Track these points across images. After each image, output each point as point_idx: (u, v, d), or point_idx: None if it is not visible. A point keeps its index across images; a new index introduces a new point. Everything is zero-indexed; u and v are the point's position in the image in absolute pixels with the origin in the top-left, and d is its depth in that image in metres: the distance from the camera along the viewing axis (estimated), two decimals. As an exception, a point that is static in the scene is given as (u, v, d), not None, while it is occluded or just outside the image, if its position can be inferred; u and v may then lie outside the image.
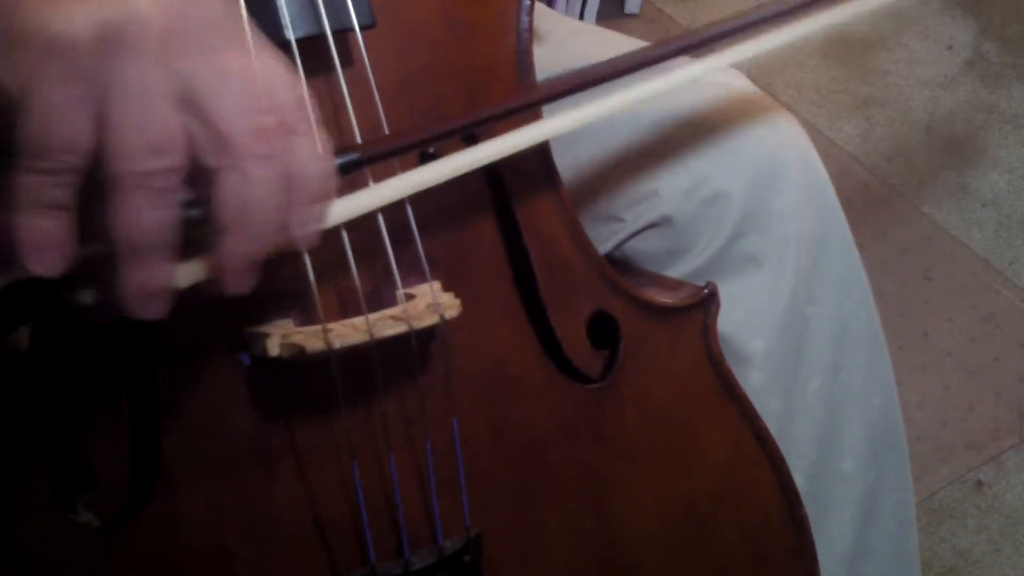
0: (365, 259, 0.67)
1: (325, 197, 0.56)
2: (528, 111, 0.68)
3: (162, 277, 0.53)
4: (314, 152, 0.55)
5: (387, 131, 0.67)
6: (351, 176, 0.62)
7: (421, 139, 0.64)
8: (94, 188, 0.50)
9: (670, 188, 0.90)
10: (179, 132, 0.50)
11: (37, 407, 0.65)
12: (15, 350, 0.69)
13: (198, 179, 0.52)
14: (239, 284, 0.55)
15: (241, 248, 0.53)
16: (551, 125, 0.67)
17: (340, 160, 0.60)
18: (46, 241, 0.51)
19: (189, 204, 0.53)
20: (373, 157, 0.62)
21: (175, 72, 0.50)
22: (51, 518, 0.66)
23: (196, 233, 0.53)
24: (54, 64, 0.49)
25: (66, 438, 0.66)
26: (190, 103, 0.51)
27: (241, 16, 0.55)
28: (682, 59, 0.70)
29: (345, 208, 0.61)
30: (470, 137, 0.69)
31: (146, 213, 0.50)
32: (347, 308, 0.67)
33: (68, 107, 0.49)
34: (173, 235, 0.52)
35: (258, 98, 0.52)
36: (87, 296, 0.55)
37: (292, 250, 0.56)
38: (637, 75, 0.69)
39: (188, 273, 0.55)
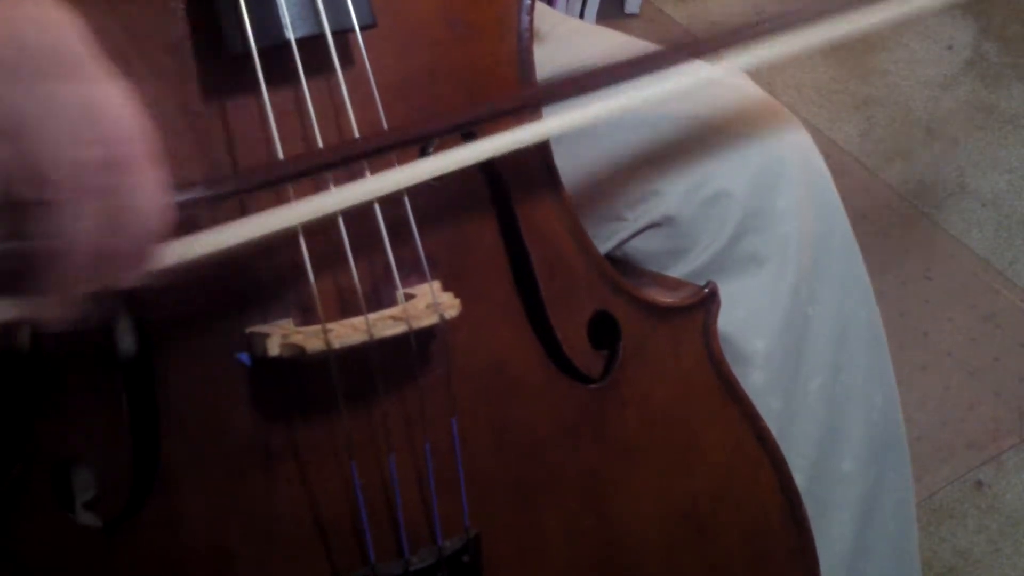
0: (365, 259, 0.67)
1: (155, 235, 0.53)
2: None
3: None
4: (147, 188, 0.52)
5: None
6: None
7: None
8: None
9: (671, 188, 0.90)
10: None
11: (37, 407, 0.65)
12: (15, 350, 0.69)
13: (16, 212, 0.49)
14: (58, 322, 0.52)
15: (58, 284, 0.51)
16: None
17: (180, 198, 0.56)
18: None
19: (11, 236, 0.50)
20: (243, 189, 0.60)
21: None
22: (51, 519, 0.66)
23: (15, 267, 0.51)
24: None
25: (66, 438, 0.66)
26: (7, 134, 0.48)
27: (84, 45, 0.51)
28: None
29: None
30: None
31: None
32: (347, 308, 0.67)
33: None
34: None
35: (84, 130, 0.49)
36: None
37: (115, 288, 0.53)
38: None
39: (5, 309, 0.53)
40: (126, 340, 0.66)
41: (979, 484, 1.52)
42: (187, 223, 0.57)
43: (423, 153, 0.68)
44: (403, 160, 0.65)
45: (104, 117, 0.50)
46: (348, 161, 0.62)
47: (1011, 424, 1.60)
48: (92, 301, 0.53)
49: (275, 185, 0.62)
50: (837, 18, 0.71)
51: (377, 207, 0.66)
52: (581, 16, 2.09)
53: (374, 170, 0.65)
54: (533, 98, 0.67)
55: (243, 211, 0.62)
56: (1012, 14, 2.22)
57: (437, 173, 0.64)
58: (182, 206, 0.56)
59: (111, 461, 0.67)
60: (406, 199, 0.67)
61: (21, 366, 0.67)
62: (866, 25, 0.72)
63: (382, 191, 0.64)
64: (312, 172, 0.62)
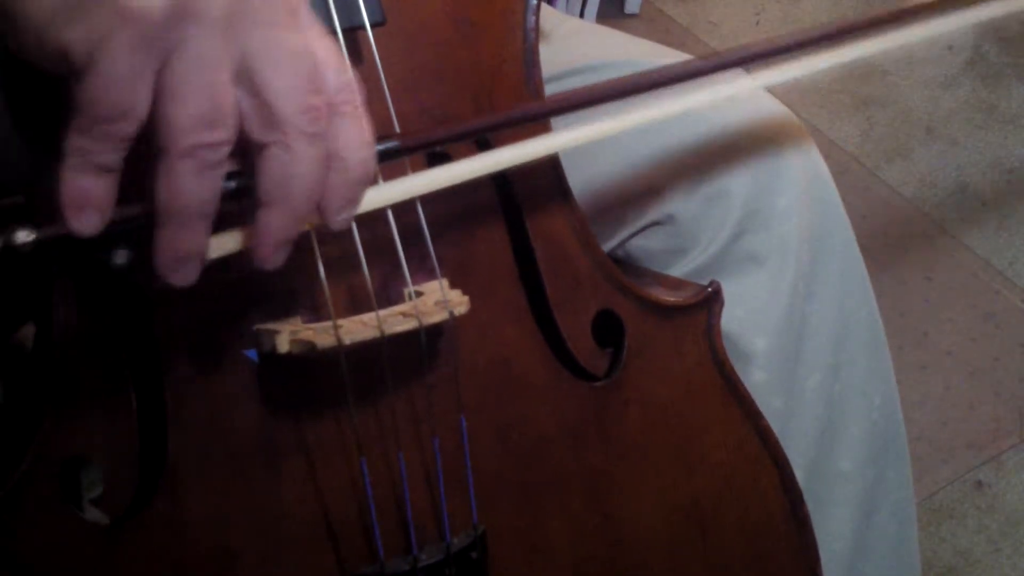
0: (376, 256, 0.67)
1: (366, 181, 0.57)
2: (540, 119, 0.68)
3: (198, 245, 0.54)
4: (359, 136, 0.55)
5: (397, 129, 0.67)
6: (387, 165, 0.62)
7: (456, 133, 0.65)
8: (144, 151, 0.51)
9: (673, 186, 0.90)
10: (232, 107, 0.51)
11: (44, 404, 0.65)
12: (22, 347, 0.69)
13: (246, 151, 0.53)
14: (271, 259, 0.56)
15: (278, 223, 0.54)
16: (567, 137, 0.68)
17: (381, 147, 0.60)
18: (87, 201, 0.52)
19: (233, 175, 0.54)
20: (410, 147, 0.62)
21: (235, 46, 0.51)
22: (58, 515, 0.66)
23: (236, 204, 0.54)
24: (124, 32, 0.49)
25: (74, 435, 0.66)
26: (246, 78, 0.51)
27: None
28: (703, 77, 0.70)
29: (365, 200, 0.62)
30: (484, 142, 0.69)
31: (191, 182, 0.51)
32: (357, 305, 0.67)
33: (131, 76, 0.50)
34: (215, 205, 0.53)
35: (311, 78, 0.52)
36: (121, 256, 0.56)
37: (326, 231, 0.57)
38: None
39: (223, 243, 0.56)
40: (133, 336, 0.66)
41: (979, 484, 1.53)
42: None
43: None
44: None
45: (325, 67, 0.53)
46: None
47: (1011, 424, 1.60)
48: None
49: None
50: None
51: (389, 209, 0.66)
52: (581, 16, 2.09)
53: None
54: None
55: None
56: (1012, 14, 2.22)
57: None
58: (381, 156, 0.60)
59: (119, 458, 0.67)
60: (418, 203, 0.68)
61: (30, 363, 0.67)
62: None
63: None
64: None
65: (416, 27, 0.70)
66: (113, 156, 0.51)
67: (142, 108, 0.50)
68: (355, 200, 0.57)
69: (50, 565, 0.67)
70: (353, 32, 0.65)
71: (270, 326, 0.65)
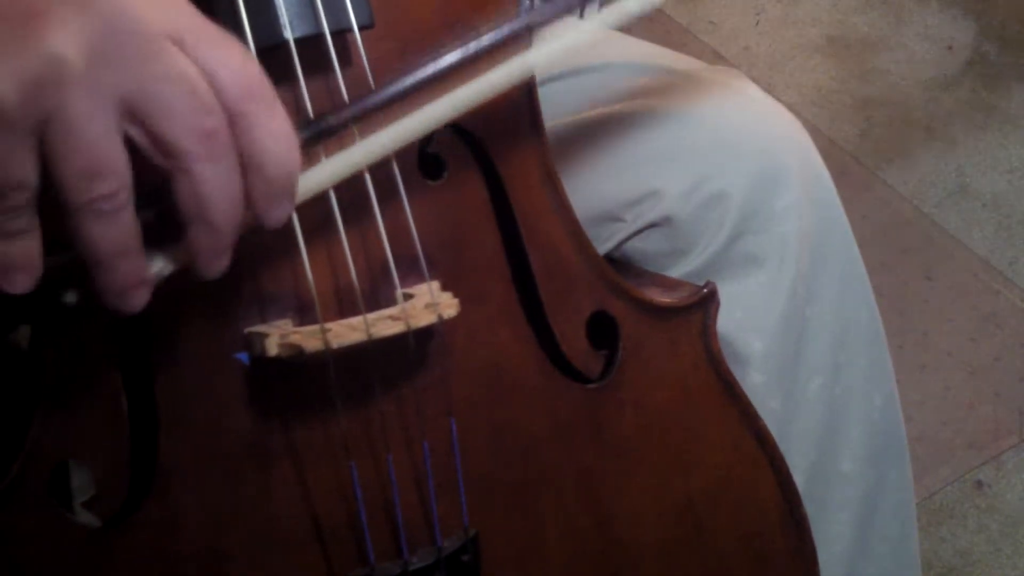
0: (364, 259, 0.67)
1: (289, 176, 0.56)
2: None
3: (135, 275, 0.55)
4: (270, 135, 0.55)
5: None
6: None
7: (388, 96, 0.63)
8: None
9: (670, 188, 0.90)
10: (116, 154, 0.51)
11: (35, 406, 0.65)
12: (15, 349, 0.69)
13: (160, 175, 0.53)
14: (210, 271, 0.56)
15: (205, 239, 0.55)
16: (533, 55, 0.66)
17: (306, 133, 0.60)
18: (10, 264, 0.53)
19: (155, 199, 0.54)
20: (344, 122, 0.62)
21: (107, 94, 0.51)
22: (49, 517, 0.66)
23: (168, 223, 0.55)
24: None
25: (65, 438, 0.66)
26: (131, 116, 0.52)
27: (182, 12, 0.54)
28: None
29: (320, 174, 0.61)
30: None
31: (99, 230, 0.52)
32: (345, 308, 0.67)
33: (10, 155, 0.50)
34: (135, 240, 0.54)
35: (196, 100, 0.52)
36: (72, 296, 0.57)
37: (266, 228, 0.57)
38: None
39: (164, 263, 0.57)
40: (124, 341, 0.66)
41: (979, 484, 1.53)
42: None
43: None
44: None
45: (217, 81, 0.53)
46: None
47: (1011, 424, 1.60)
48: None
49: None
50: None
51: (377, 208, 0.66)
52: (580, 16, 2.09)
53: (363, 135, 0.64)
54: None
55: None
56: (1012, 14, 2.22)
57: (429, 127, 0.63)
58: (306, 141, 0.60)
59: (109, 460, 0.67)
60: (405, 200, 0.67)
61: (21, 365, 0.67)
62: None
63: (374, 153, 0.63)
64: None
65: (408, 30, 0.69)
66: (20, 221, 0.52)
67: (29, 178, 0.51)
68: (283, 196, 0.56)
69: (41, 567, 0.67)
70: (341, 35, 0.65)
71: (260, 329, 0.65)
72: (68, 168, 0.51)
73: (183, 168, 0.52)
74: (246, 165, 0.54)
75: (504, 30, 0.65)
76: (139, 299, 0.55)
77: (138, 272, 0.55)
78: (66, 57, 0.50)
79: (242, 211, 0.55)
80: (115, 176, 0.51)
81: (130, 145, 0.52)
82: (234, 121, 0.53)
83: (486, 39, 0.65)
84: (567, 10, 0.68)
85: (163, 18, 0.52)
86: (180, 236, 0.55)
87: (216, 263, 0.56)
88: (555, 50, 0.67)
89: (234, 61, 0.54)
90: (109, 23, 0.51)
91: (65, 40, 0.50)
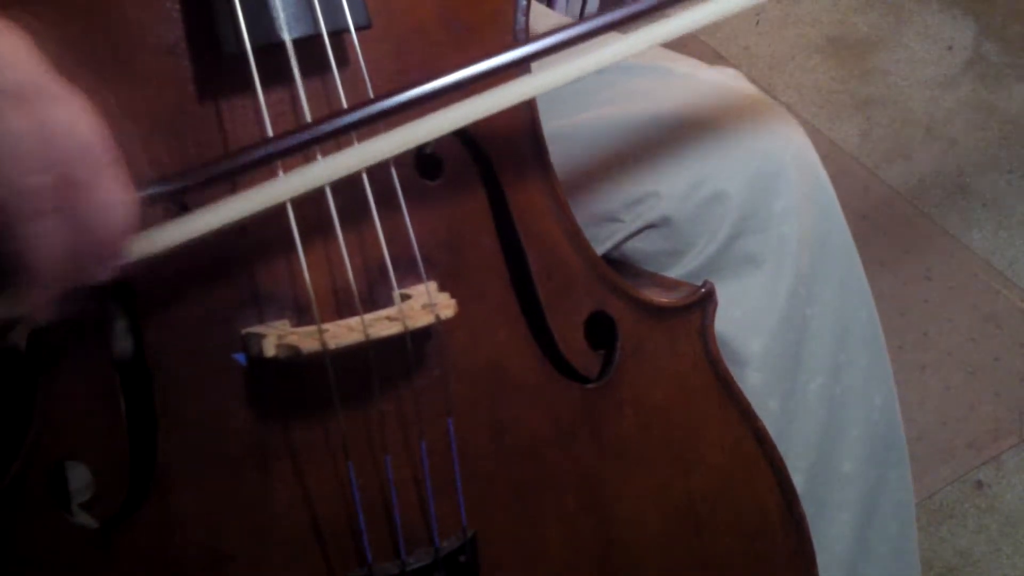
0: (361, 260, 0.67)
1: (115, 241, 0.57)
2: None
3: None
4: (102, 196, 0.55)
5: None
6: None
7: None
8: None
9: (669, 189, 0.90)
10: None
11: (34, 407, 0.65)
12: (13, 350, 0.69)
13: None
14: (43, 315, 0.57)
15: (36, 293, 0.56)
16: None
17: (149, 191, 0.59)
18: None
19: None
20: (200, 183, 0.62)
21: None
22: (47, 518, 0.66)
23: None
24: None
25: (63, 439, 0.66)
26: None
27: (28, 68, 0.54)
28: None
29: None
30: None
31: None
32: (343, 309, 0.67)
33: None
34: None
35: (33, 158, 0.52)
36: (17, 335, 0.61)
37: (92, 283, 0.58)
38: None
39: (3, 307, 0.58)
40: (123, 342, 0.66)
41: (979, 484, 1.52)
42: (175, 210, 0.61)
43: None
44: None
45: (53, 141, 0.53)
46: (338, 132, 0.63)
47: (1011, 424, 1.59)
48: (74, 297, 0.57)
49: (260, 166, 0.63)
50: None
51: (375, 209, 0.66)
52: (581, 16, 2.08)
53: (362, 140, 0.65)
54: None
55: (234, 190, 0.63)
56: (1012, 14, 2.22)
57: (427, 138, 0.64)
58: (153, 199, 0.59)
59: (108, 461, 0.67)
60: (402, 200, 0.68)
61: (19, 366, 0.67)
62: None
63: (369, 159, 0.64)
64: (296, 150, 0.63)
65: (404, 29, 0.69)
66: None
67: None
68: (109, 257, 0.57)
69: (40, 568, 0.67)
70: (339, 35, 0.65)
71: (257, 330, 0.65)
72: None
73: (3, 222, 0.53)
74: (74, 225, 0.54)
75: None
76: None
77: None
78: None
79: (68, 266, 0.55)
80: None
81: None
82: (64, 181, 0.53)
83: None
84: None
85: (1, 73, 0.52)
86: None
87: (48, 311, 0.57)
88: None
89: (70, 122, 0.54)
90: None
91: None
